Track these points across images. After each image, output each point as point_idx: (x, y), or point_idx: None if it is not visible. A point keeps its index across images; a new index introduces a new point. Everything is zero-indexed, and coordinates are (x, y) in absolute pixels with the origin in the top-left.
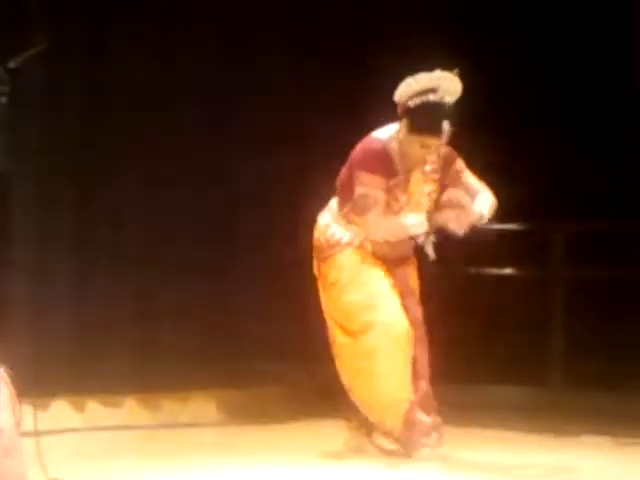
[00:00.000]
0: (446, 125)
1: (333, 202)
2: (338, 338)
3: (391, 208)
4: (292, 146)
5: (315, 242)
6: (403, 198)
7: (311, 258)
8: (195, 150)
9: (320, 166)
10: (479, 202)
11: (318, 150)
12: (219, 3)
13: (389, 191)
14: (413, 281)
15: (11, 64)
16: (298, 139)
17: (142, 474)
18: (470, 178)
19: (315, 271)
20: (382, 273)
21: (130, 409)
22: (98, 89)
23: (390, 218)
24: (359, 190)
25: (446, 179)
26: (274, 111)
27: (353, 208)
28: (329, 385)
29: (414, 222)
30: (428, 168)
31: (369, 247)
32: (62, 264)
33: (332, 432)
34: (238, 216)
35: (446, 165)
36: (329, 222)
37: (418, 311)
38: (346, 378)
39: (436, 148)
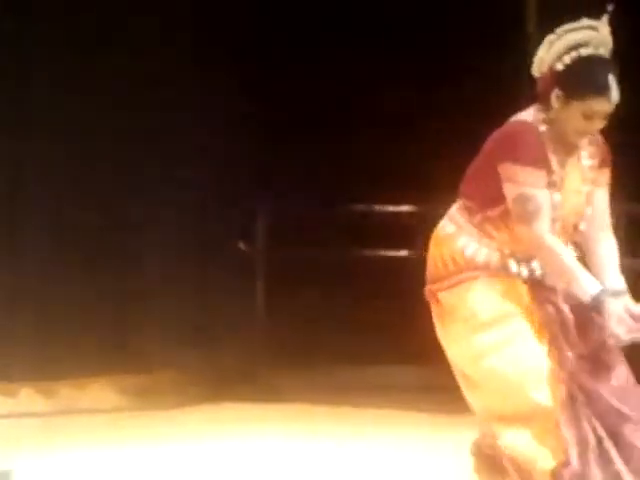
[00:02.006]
0: (613, 82)
1: (454, 209)
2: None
3: None
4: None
5: (434, 260)
6: (558, 199)
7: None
8: None
9: None
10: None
11: None
12: None
13: None
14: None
15: None
16: None
17: (40, 461)
18: (605, 201)
19: (431, 298)
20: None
21: (27, 397)
22: None
23: (564, 253)
24: (512, 191)
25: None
26: None
27: (501, 217)
28: (225, 370)
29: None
30: (586, 162)
31: (513, 268)
32: None
33: (228, 416)
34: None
35: (601, 165)
36: (455, 233)
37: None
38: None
39: (604, 116)
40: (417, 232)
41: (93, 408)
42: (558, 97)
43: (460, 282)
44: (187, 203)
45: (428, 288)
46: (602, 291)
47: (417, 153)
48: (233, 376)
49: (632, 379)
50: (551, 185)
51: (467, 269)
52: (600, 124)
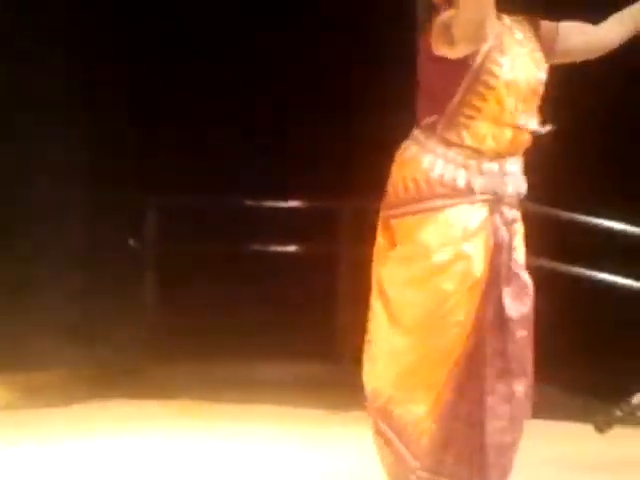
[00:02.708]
0: None
1: (415, 132)
2: (380, 322)
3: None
4: None
5: (395, 185)
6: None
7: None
8: None
9: None
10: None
11: None
12: None
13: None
14: (519, 258)
15: None
16: None
17: None
18: (575, 27)
19: (381, 226)
20: (481, 265)
21: None
22: None
23: None
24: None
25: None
26: None
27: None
28: (114, 367)
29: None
30: (518, 35)
31: (477, 186)
32: None
33: (116, 413)
34: None
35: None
36: (419, 153)
37: (529, 320)
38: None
39: None
40: (307, 228)
41: None
42: None
43: (419, 212)
44: (75, 200)
45: (382, 214)
46: None
47: (310, 149)
48: (122, 373)
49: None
50: (493, 48)
51: (430, 196)
52: None
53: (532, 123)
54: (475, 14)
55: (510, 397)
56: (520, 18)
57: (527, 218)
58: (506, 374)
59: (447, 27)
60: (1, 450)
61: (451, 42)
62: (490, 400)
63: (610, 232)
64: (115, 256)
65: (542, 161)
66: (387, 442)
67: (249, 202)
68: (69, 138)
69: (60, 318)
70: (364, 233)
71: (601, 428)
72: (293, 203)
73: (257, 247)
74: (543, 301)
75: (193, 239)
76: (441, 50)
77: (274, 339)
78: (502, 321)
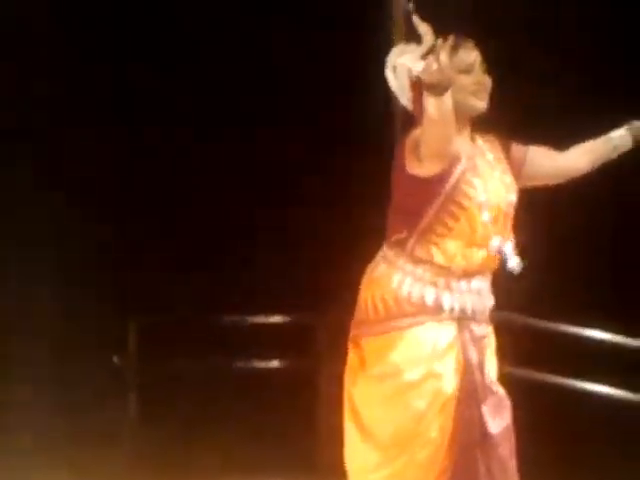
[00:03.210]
0: None
1: (383, 250)
2: (354, 439)
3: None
4: None
5: (364, 304)
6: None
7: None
8: None
9: None
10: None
11: None
12: None
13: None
14: (492, 374)
15: None
16: None
17: None
18: (543, 152)
19: (351, 343)
20: (452, 384)
21: None
22: None
23: None
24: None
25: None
26: None
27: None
28: None
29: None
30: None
31: (446, 304)
32: None
33: None
34: None
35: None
36: (388, 271)
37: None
38: None
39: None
40: (289, 343)
41: None
42: None
43: (388, 331)
44: (58, 317)
45: (352, 333)
46: None
47: (289, 264)
48: None
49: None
50: (467, 170)
51: (399, 315)
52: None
53: (505, 246)
54: (439, 131)
55: None
56: (492, 138)
57: (514, 329)
58: None
59: (416, 144)
60: None
61: (420, 159)
62: None
63: (594, 342)
64: (100, 373)
65: (526, 271)
66: None
67: (230, 319)
68: (47, 258)
69: (44, 434)
70: (343, 348)
71: None
72: (273, 319)
73: (239, 364)
74: (527, 412)
75: (175, 357)
76: (413, 168)
77: (257, 454)
78: (484, 438)
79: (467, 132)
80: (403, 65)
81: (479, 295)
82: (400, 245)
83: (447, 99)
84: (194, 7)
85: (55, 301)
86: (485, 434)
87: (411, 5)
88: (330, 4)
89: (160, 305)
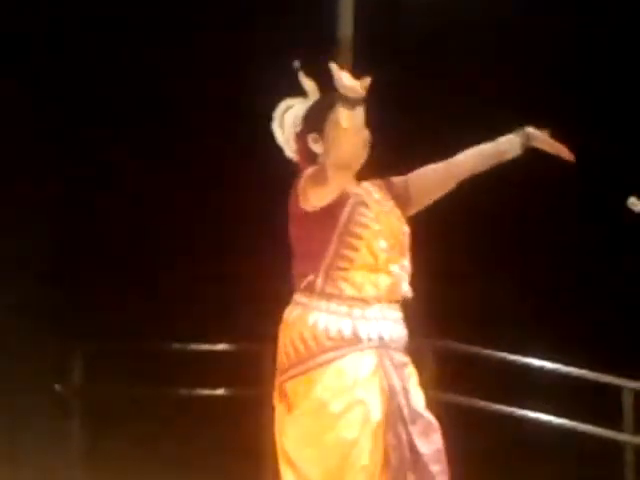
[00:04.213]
0: None
1: (295, 297)
2: None
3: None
4: None
5: (284, 349)
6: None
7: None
8: None
9: None
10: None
11: None
12: None
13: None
14: (416, 400)
15: None
16: None
17: None
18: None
19: (277, 394)
20: (378, 410)
21: None
22: None
23: None
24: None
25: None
26: None
27: (308, 187)
28: None
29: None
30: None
31: (363, 334)
32: None
33: None
34: None
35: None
36: (304, 315)
37: (440, 458)
38: None
39: None
40: (234, 371)
41: None
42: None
43: (307, 370)
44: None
45: (276, 382)
46: None
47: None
48: None
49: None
50: (357, 203)
51: (319, 352)
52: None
53: (400, 272)
54: (350, 140)
55: None
56: (377, 182)
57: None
58: None
59: (319, 171)
60: None
61: (325, 181)
62: None
63: (531, 369)
64: (40, 401)
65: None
66: None
67: (174, 345)
68: None
69: None
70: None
71: None
72: (218, 346)
73: (184, 391)
74: (466, 437)
75: (119, 383)
76: (311, 197)
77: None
78: (415, 459)
79: (352, 178)
80: (289, 118)
81: (394, 323)
82: (309, 288)
83: (359, 112)
84: None
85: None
86: (416, 454)
87: (297, 63)
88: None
89: (105, 333)
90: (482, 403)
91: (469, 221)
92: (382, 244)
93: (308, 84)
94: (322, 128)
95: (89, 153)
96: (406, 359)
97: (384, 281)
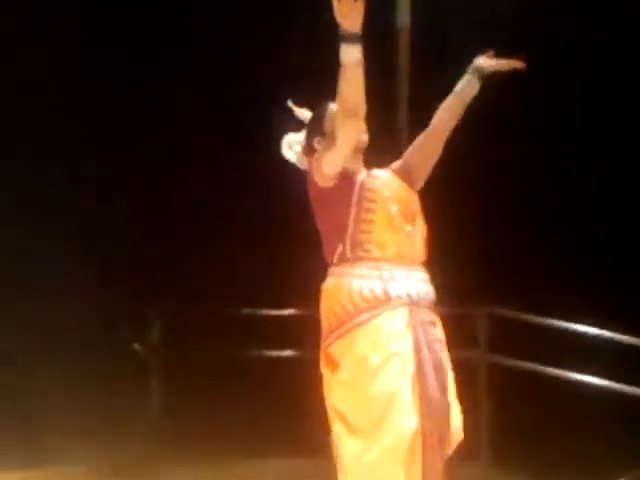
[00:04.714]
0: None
1: (331, 270)
2: (343, 436)
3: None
4: None
5: (326, 315)
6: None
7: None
8: None
9: None
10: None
11: None
12: None
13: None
14: (444, 350)
15: None
16: None
17: None
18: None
19: (323, 360)
20: (412, 361)
21: None
22: None
23: None
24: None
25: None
26: None
27: (322, 155)
28: (121, 461)
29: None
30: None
31: (393, 293)
32: None
33: None
34: None
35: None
36: (340, 282)
37: (446, 392)
38: None
39: None
40: (300, 334)
41: None
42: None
43: (347, 332)
44: (86, 311)
45: (322, 349)
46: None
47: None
48: (130, 468)
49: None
50: (366, 176)
51: (356, 313)
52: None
53: (414, 233)
54: (347, 141)
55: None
56: (382, 168)
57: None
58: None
59: (327, 140)
60: None
61: (334, 142)
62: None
63: (577, 334)
64: (124, 361)
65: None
66: None
67: (244, 310)
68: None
69: (75, 418)
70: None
71: None
72: (285, 311)
73: (254, 352)
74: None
75: (193, 343)
76: (325, 166)
77: (272, 437)
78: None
79: (361, 163)
80: (294, 143)
81: (421, 282)
82: (341, 259)
83: (356, 49)
84: None
85: (84, 294)
86: (431, 397)
87: (289, 103)
88: None
89: (181, 296)
90: (529, 365)
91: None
92: (394, 208)
93: (301, 113)
94: (322, 131)
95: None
96: (434, 317)
97: (403, 239)
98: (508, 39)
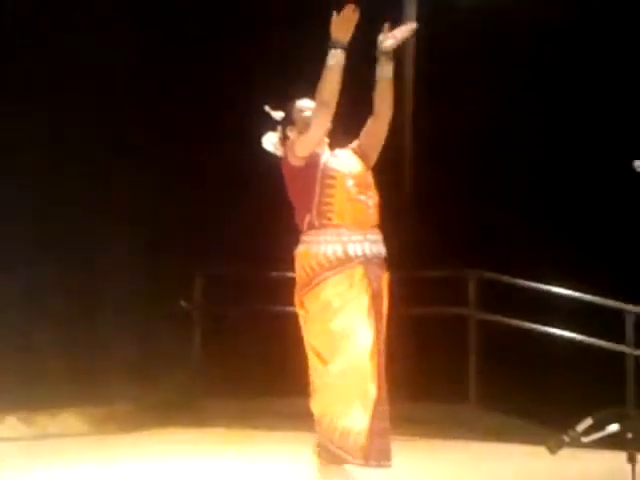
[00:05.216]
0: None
1: (300, 238)
2: (315, 365)
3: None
4: None
5: (299, 273)
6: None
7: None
8: None
9: None
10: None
11: None
12: None
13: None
14: (384, 302)
15: None
16: None
17: (19, 479)
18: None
19: (298, 306)
20: (365, 304)
21: (9, 425)
22: None
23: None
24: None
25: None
26: None
27: (295, 140)
28: (168, 402)
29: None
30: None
31: (351, 251)
32: None
33: (171, 439)
34: None
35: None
36: (308, 248)
37: (383, 330)
38: (318, 406)
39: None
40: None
41: (63, 434)
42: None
43: (316, 285)
44: (136, 269)
45: (297, 298)
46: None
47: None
48: (175, 407)
49: None
50: (329, 156)
51: (322, 270)
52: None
53: (367, 201)
54: (319, 130)
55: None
56: (343, 145)
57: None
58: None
59: (301, 126)
60: (75, 469)
61: (307, 128)
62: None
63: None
64: (170, 314)
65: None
66: (332, 458)
67: (273, 273)
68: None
69: (127, 362)
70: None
71: (552, 450)
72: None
73: (279, 307)
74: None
75: (231, 300)
76: (297, 149)
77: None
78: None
79: (326, 145)
80: (273, 137)
81: (374, 243)
82: (309, 226)
83: (341, 55)
84: None
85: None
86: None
87: (267, 107)
88: None
89: (220, 259)
90: (513, 321)
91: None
92: (350, 182)
93: (277, 114)
94: (293, 121)
95: None
96: (382, 272)
97: (358, 208)
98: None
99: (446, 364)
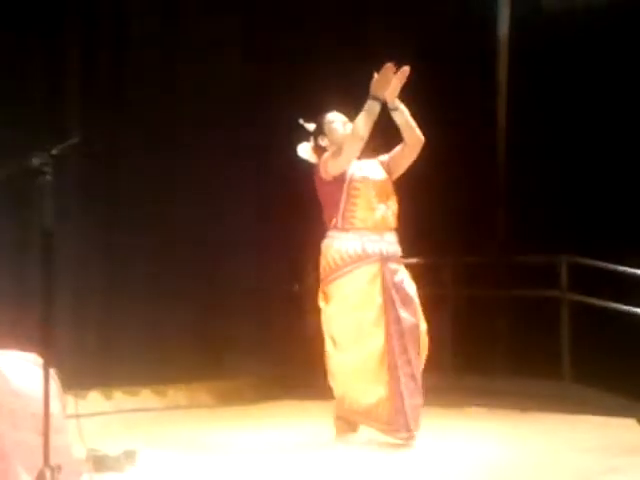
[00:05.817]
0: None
1: (327, 234)
2: (332, 352)
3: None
4: None
5: (322, 265)
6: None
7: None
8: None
9: None
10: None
11: None
12: None
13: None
14: (410, 287)
15: (54, 151)
16: None
17: (155, 444)
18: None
19: (321, 295)
20: (380, 299)
21: (144, 396)
22: None
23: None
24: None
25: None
26: None
27: (329, 160)
28: (285, 377)
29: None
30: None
31: (369, 250)
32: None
33: (287, 411)
34: None
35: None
36: (332, 242)
37: (415, 316)
38: (338, 388)
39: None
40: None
41: (191, 405)
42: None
43: (337, 278)
44: (250, 257)
45: (320, 287)
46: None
47: None
48: (291, 381)
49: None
50: (356, 168)
51: (343, 265)
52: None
53: (386, 209)
54: (349, 157)
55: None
56: (371, 157)
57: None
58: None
59: (336, 150)
60: (204, 438)
61: (340, 152)
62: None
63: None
64: (283, 297)
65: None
66: (353, 427)
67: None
68: None
69: (248, 341)
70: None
71: None
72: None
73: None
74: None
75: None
76: (330, 168)
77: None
78: (401, 328)
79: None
80: (307, 145)
81: (390, 243)
82: (334, 226)
83: (377, 106)
84: None
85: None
86: (402, 325)
87: (301, 120)
88: None
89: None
90: (602, 302)
91: None
92: (372, 192)
93: (310, 126)
94: (324, 132)
95: None
96: (399, 267)
97: (377, 214)
98: None
99: (541, 343)
